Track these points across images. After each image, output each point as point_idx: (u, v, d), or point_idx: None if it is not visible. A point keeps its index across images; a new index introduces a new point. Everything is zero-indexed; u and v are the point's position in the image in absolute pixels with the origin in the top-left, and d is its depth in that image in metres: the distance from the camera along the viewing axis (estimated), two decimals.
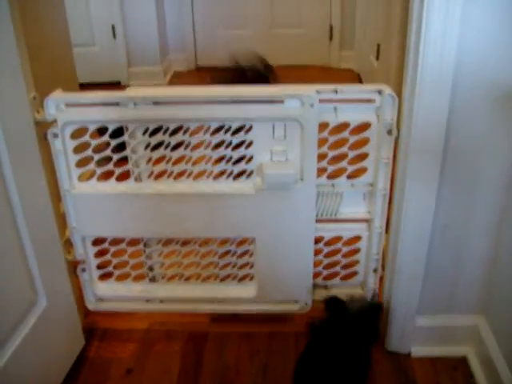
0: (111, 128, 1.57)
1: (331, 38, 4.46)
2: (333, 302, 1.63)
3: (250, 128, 1.54)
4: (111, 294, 1.85)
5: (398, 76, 1.49)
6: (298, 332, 1.88)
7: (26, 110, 1.47)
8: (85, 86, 2.63)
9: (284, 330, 1.90)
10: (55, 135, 1.56)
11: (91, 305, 1.87)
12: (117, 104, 1.54)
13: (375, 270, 1.76)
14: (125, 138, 1.58)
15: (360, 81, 4.19)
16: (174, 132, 1.56)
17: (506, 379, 1.53)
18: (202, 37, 4.49)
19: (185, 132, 1.56)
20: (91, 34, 4.05)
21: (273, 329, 1.91)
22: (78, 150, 1.61)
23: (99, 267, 1.82)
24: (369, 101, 1.52)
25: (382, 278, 1.77)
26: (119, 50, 4.11)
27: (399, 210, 1.57)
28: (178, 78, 4.47)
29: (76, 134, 1.58)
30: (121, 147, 1.61)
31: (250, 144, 1.56)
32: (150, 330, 1.92)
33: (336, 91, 1.50)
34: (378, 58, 3.59)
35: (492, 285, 1.66)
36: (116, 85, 4.15)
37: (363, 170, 1.60)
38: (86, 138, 1.59)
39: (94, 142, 1.60)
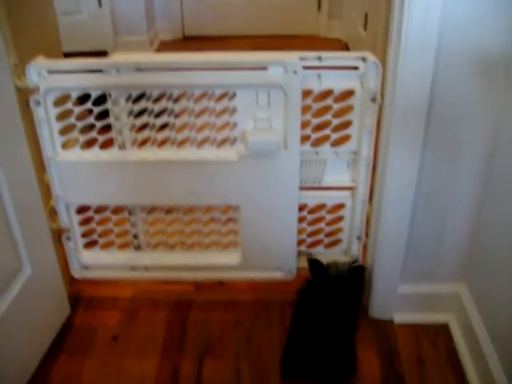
0: (94, 95, 1.56)
1: (319, 7, 4.43)
2: (315, 265, 1.65)
3: (234, 95, 1.53)
4: (96, 261, 1.86)
5: (385, 45, 1.48)
6: (283, 300, 1.89)
7: (7, 76, 1.45)
8: (70, 55, 2.60)
9: (269, 298, 1.92)
10: (37, 102, 1.55)
11: (76, 273, 1.87)
12: (99, 71, 1.53)
13: (359, 238, 1.77)
14: (108, 105, 1.57)
15: (348, 50, 4.18)
16: (158, 99, 1.55)
17: (485, 344, 1.55)
18: (189, 5, 4.44)
19: (168, 99, 1.55)
20: (77, 1, 3.99)
21: (257, 297, 1.93)
22: (60, 117, 1.60)
23: (84, 235, 1.82)
24: (353, 68, 1.52)
25: (365, 246, 1.79)
26: (105, 18, 4.05)
27: (382, 177, 1.57)
28: (164, 48, 4.43)
29: (59, 102, 1.57)
30: (104, 115, 1.60)
31: (234, 111, 1.55)
32: (136, 298, 1.93)
33: (320, 58, 1.49)
34: (365, 27, 3.57)
35: (473, 253, 1.67)
36: (102, 54, 4.10)
37: (347, 138, 1.60)
38: (69, 105, 1.58)
39: (77, 110, 1.59)
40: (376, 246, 1.70)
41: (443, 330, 1.80)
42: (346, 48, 4.24)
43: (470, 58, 1.38)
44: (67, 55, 2.66)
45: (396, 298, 1.78)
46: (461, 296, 1.74)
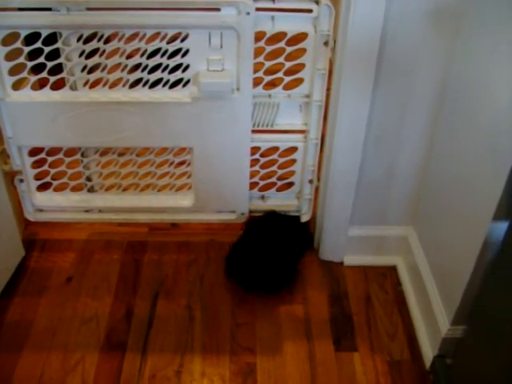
0: (44, 34, 1.53)
1: None
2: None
3: (187, 36, 1.52)
4: (50, 204, 1.84)
5: None
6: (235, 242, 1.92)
7: None
8: None
9: (221, 240, 1.95)
10: None
11: (30, 215, 1.87)
12: (49, 9, 1.50)
13: (311, 181, 1.79)
14: (58, 44, 1.54)
15: None
16: (109, 39, 1.53)
17: (429, 284, 1.61)
18: None
19: (120, 39, 1.53)
20: None
21: (210, 238, 1.96)
22: (10, 57, 1.57)
23: (37, 178, 1.81)
24: (306, 11, 1.52)
25: (317, 189, 1.81)
26: None
27: (333, 120, 1.59)
28: None
29: (7, 40, 1.54)
30: (55, 55, 1.57)
31: (186, 52, 1.54)
32: (90, 239, 1.94)
33: (273, 0, 1.49)
34: None
35: (421, 198, 1.72)
36: None
37: (299, 81, 1.60)
38: (18, 44, 1.54)
39: (27, 49, 1.56)
40: (327, 189, 1.73)
41: (391, 271, 1.86)
42: None
43: (421, 6, 1.39)
44: None
45: (346, 241, 1.83)
46: (408, 239, 1.79)
